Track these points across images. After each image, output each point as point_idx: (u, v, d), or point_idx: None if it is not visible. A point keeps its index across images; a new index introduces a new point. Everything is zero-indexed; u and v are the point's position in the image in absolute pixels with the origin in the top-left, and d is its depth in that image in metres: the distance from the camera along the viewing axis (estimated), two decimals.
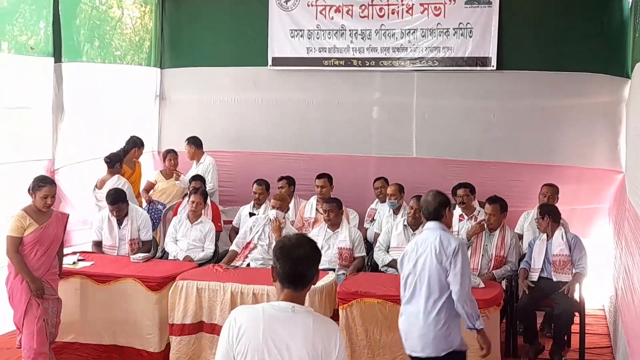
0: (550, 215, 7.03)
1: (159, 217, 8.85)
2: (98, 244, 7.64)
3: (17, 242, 5.90)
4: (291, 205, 8.50)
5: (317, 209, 8.42)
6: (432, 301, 4.85)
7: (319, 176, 8.61)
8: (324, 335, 3.08)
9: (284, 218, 7.47)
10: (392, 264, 7.30)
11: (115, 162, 8.43)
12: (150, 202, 8.98)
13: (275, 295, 3.21)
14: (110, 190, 7.71)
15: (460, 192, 7.90)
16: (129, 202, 7.68)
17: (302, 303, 3.15)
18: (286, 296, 3.12)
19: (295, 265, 3.12)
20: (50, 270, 6.06)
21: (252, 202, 8.65)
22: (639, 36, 7.42)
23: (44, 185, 5.98)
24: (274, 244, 7.21)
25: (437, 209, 4.99)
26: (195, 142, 9.40)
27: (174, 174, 9.28)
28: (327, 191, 8.50)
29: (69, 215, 6.44)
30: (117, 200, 7.45)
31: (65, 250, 7.97)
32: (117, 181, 8.28)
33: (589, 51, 8.71)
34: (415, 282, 4.92)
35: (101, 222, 7.62)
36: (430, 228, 4.99)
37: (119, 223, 7.56)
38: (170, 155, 9.34)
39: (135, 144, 8.93)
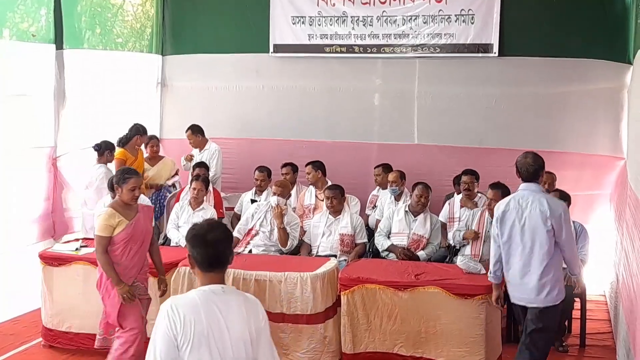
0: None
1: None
2: None
3: (106, 242, 5.50)
4: (293, 192, 8.52)
5: (316, 196, 8.44)
6: (542, 255, 5.25)
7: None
8: (254, 311, 3.33)
9: (285, 205, 7.48)
10: (392, 248, 7.33)
11: (105, 149, 8.28)
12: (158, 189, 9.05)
13: (200, 283, 3.34)
14: (111, 177, 7.71)
15: (465, 178, 7.91)
16: None
17: (224, 282, 3.35)
18: (211, 279, 3.30)
19: (213, 248, 3.29)
20: (142, 268, 5.75)
21: (253, 189, 8.66)
22: None
23: (130, 176, 5.63)
24: (275, 230, 7.26)
25: (537, 171, 5.38)
26: (199, 130, 9.38)
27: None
28: (313, 178, 8.58)
29: (153, 207, 6.12)
30: None
31: (67, 237, 8.05)
32: (97, 170, 8.18)
33: (591, 37, 8.70)
34: (520, 238, 5.31)
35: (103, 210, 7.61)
36: (531, 189, 5.35)
37: None
38: (152, 141, 9.21)
39: (137, 132, 8.80)
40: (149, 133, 9.12)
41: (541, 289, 5.26)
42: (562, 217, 5.24)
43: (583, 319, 6.80)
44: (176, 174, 9.43)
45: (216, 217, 7.92)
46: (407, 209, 7.51)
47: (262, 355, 3.28)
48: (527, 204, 5.30)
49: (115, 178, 5.80)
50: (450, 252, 7.46)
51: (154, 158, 9.23)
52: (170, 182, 9.22)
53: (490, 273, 5.55)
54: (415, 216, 7.46)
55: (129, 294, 5.50)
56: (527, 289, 5.32)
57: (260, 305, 3.39)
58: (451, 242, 7.40)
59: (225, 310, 3.22)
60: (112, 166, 8.31)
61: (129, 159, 8.66)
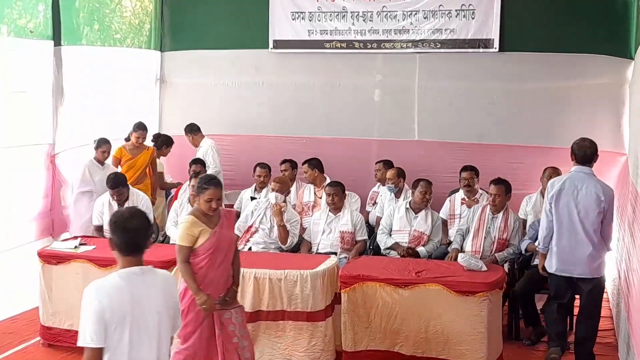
0: None
1: None
2: (99, 229, 7.61)
3: (187, 252, 5.20)
4: (293, 188, 8.49)
5: (315, 193, 8.41)
6: (591, 232, 5.86)
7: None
8: (170, 287, 3.77)
9: (284, 201, 7.45)
10: (394, 246, 7.30)
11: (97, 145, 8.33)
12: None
13: (120, 265, 3.61)
14: (110, 175, 7.69)
15: (466, 174, 7.94)
16: (129, 187, 7.65)
17: (142, 264, 3.62)
18: (130, 262, 3.58)
19: (132, 234, 3.57)
20: (227, 279, 5.40)
21: (253, 186, 8.63)
22: None
23: (208, 187, 5.24)
24: (275, 228, 7.23)
25: (592, 154, 5.95)
26: (192, 129, 9.41)
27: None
28: (310, 177, 8.55)
29: (236, 212, 5.75)
30: (118, 185, 7.42)
31: (66, 236, 8.02)
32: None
33: (592, 32, 8.67)
34: (574, 215, 5.88)
35: (102, 207, 7.59)
36: (585, 172, 5.92)
37: (120, 207, 7.52)
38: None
39: (133, 128, 8.82)
40: (165, 132, 9.35)
41: (591, 262, 5.89)
42: (612, 200, 5.93)
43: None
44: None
45: None
46: (408, 205, 7.48)
47: (176, 322, 3.77)
48: (583, 186, 5.87)
49: (196, 184, 5.45)
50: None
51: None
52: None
53: (540, 244, 6.17)
54: (416, 213, 7.43)
55: (210, 306, 5.16)
56: (577, 261, 5.91)
57: (173, 279, 3.81)
58: (452, 240, 7.40)
59: (145, 288, 3.56)
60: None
61: (124, 156, 8.68)
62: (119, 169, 8.53)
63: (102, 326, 3.40)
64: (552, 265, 6.08)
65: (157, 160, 9.21)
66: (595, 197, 5.83)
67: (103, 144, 8.25)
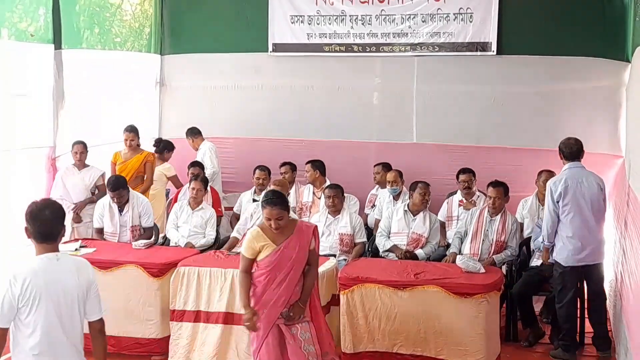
0: None
1: None
2: (100, 231, 7.64)
3: (247, 263, 5.10)
4: (292, 191, 8.52)
5: (314, 193, 8.46)
6: (595, 221, 6.37)
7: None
8: (85, 272, 3.99)
9: None
10: (393, 249, 7.34)
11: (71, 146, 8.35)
12: None
13: (37, 252, 3.88)
14: (111, 177, 7.74)
15: (464, 177, 8.03)
16: (129, 189, 7.69)
17: (57, 251, 3.91)
18: (45, 249, 3.85)
19: (45, 225, 3.83)
20: (293, 296, 5.13)
21: (253, 188, 8.67)
22: (639, 20, 7.41)
23: (265, 206, 5.03)
24: None
25: (579, 150, 6.52)
26: (192, 133, 9.48)
27: None
28: (311, 177, 8.64)
29: (315, 226, 5.42)
30: (118, 187, 7.45)
31: (67, 237, 8.02)
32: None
33: (589, 35, 8.71)
34: (583, 207, 6.30)
35: (102, 209, 7.61)
36: (578, 166, 6.47)
37: (120, 210, 7.56)
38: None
39: (123, 131, 8.74)
40: (165, 135, 9.35)
41: (601, 248, 6.46)
42: (605, 188, 6.52)
43: (582, 317, 6.80)
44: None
45: (215, 217, 7.94)
46: (406, 208, 7.52)
47: (90, 305, 3.97)
48: (583, 178, 6.38)
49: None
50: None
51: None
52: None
53: (545, 240, 6.56)
54: (414, 215, 7.47)
55: (252, 323, 5.01)
56: (591, 249, 6.34)
57: (89, 267, 4.08)
58: (450, 242, 7.44)
59: (60, 272, 3.84)
60: None
61: (118, 160, 8.69)
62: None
63: (12, 307, 3.70)
64: (565, 258, 6.39)
65: (166, 164, 9.25)
66: (597, 186, 6.36)
67: (74, 145, 8.24)
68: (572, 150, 6.51)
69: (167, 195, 9.34)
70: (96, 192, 8.31)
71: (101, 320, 4.05)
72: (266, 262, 5.04)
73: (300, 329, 5.11)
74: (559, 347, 6.50)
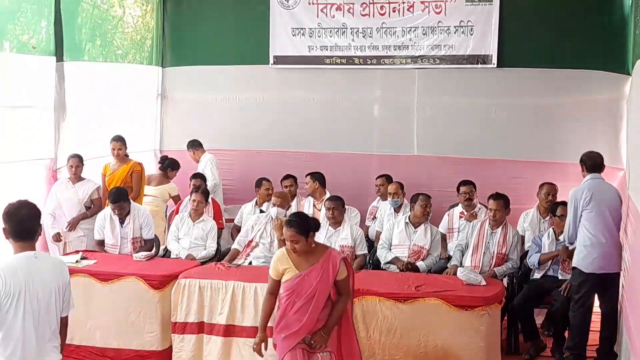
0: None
1: None
2: (100, 243, 7.64)
3: (272, 284, 5.06)
4: (293, 203, 8.53)
5: (314, 206, 8.46)
6: (616, 230, 6.46)
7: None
8: (61, 271, 4.21)
9: (285, 216, 7.48)
10: (394, 261, 7.33)
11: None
12: None
13: (15, 250, 4.05)
14: (112, 189, 7.74)
15: (464, 189, 8.04)
16: (131, 201, 7.69)
17: (34, 249, 4.10)
18: (23, 247, 4.03)
19: (21, 224, 4.03)
20: (317, 324, 4.97)
21: (254, 200, 8.70)
22: (639, 33, 7.42)
23: (285, 225, 5.00)
24: (275, 242, 7.26)
25: (601, 163, 6.66)
26: (193, 145, 9.49)
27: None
28: (311, 188, 8.62)
29: (344, 257, 5.22)
30: (119, 199, 7.45)
31: (58, 252, 8.00)
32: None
33: (589, 48, 8.73)
34: (607, 216, 6.40)
35: (103, 221, 7.62)
36: (599, 178, 6.58)
37: (121, 222, 7.56)
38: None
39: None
40: (166, 147, 9.29)
41: (619, 255, 6.41)
42: None
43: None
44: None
45: (216, 229, 7.94)
46: (407, 220, 7.51)
47: (65, 302, 4.21)
48: (604, 188, 6.53)
49: None
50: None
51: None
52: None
53: (566, 241, 6.71)
54: (415, 227, 7.46)
55: (259, 347, 5.02)
56: (612, 258, 6.39)
57: (65, 265, 4.32)
58: (452, 254, 7.44)
59: (38, 271, 4.02)
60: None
61: (108, 171, 8.60)
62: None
63: None
64: (587, 264, 6.41)
65: (172, 184, 9.21)
66: (617, 197, 6.52)
67: (70, 158, 8.11)
68: (595, 163, 6.63)
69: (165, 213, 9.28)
70: (91, 206, 8.17)
71: (67, 316, 4.30)
72: (287, 286, 4.97)
73: (321, 359, 4.99)
74: (570, 357, 6.48)
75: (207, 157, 9.43)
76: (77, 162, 8.12)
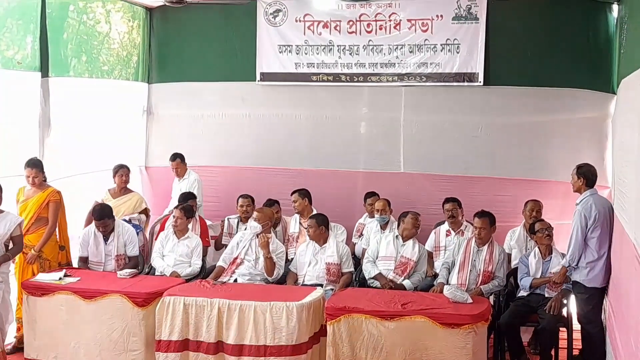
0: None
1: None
2: (84, 260, 7.59)
3: None
4: (279, 228, 8.55)
5: (300, 223, 8.44)
6: (613, 243, 6.51)
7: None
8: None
9: (270, 233, 7.46)
10: (377, 277, 7.31)
11: None
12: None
13: None
14: (96, 206, 7.69)
15: (448, 206, 8.04)
16: (115, 218, 7.64)
17: None
18: None
19: None
20: None
21: (237, 217, 8.65)
22: (624, 52, 7.48)
23: None
24: (261, 259, 7.23)
25: (597, 177, 6.87)
26: (182, 158, 9.40)
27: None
28: (300, 206, 8.56)
29: None
30: (103, 217, 7.42)
31: None
32: None
33: (575, 67, 8.79)
34: (606, 229, 6.55)
35: (87, 237, 7.58)
36: (596, 193, 6.79)
37: (105, 239, 7.52)
38: (121, 170, 8.63)
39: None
40: (152, 164, 9.06)
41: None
42: None
43: (570, 348, 6.77)
44: (145, 213, 8.84)
45: (201, 246, 7.88)
46: (397, 233, 7.50)
47: None
48: (604, 203, 6.73)
49: None
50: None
51: (122, 190, 8.66)
52: (128, 217, 8.52)
53: (572, 263, 6.63)
54: (404, 241, 7.45)
55: None
56: (608, 270, 6.52)
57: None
58: (438, 272, 7.42)
59: None
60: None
61: (20, 196, 7.43)
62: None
63: None
64: (592, 279, 6.56)
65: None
66: (612, 210, 6.69)
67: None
68: (595, 178, 6.82)
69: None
70: (10, 246, 6.63)
71: None
72: None
73: None
74: None
75: (194, 177, 9.36)
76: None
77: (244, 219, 8.51)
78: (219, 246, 8.56)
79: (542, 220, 7.40)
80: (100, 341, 6.56)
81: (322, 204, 8.62)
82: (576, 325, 6.83)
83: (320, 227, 7.47)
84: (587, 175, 6.78)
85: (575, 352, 6.80)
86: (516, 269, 7.33)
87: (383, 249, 7.47)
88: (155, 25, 10.38)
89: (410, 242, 7.45)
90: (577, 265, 6.62)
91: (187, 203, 8.23)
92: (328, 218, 7.63)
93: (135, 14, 10.08)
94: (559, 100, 8.90)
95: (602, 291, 6.65)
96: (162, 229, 8.41)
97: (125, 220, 8.16)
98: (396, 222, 7.81)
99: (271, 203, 8.66)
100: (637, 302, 4.78)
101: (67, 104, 8.57)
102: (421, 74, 9.32)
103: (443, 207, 8.16)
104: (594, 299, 6.59)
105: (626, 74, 6.81)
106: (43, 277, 6.90)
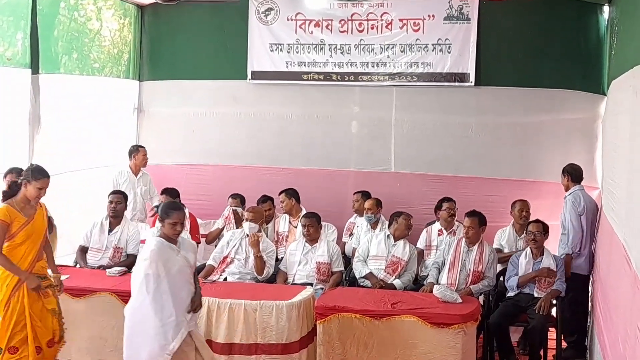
0: (546, 232, 7.14)
1: None
2: (83, 250, 7.69)
3: None
4: (270, 225, 8.53)
5: (290, 222, 8.44)
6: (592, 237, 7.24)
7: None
8: None
9: (260, 231, 7.46)
10: (368, 276, 7.32)
11: None
12: None
13: None
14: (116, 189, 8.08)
15: (446, 205, 8.06)
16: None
17: None
18: None
19: None
20: None
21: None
22: (615, 54, 7.51)
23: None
24: (251, 258, 7.23)
25: (582, 173, 7.52)
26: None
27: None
28: (287, 206, 8.60)
29: None
30: (118, 192, 7.86)
31: None
32: None
33: (566, 68, 8.80)
34: (592, 221, 7.27)
35: (92, 227, 7.73)
36: (583, 189, 7.45)
37: (110, 230, 7.67)
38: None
39: (32, 176, 6.04)
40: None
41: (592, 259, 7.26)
42: None
43: (558, 349, 6.80)
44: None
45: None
46: (388, 233, 7.51)
47: None
48: (590, 199, 7.38)
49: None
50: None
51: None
52: None
53: (573, 251, 7.21)
54: (395, 241, 7.46)
55: None
56: (588, 259, 7.25)
57: None
58: (427, 273, 7.44)
59: None
60: None
61: (17, 220, 5.84)
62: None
63: None
64: (584, 268, 7.29)
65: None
66: (597, 209, 7.32)
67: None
68: (579, 174, 7.46)
69: None
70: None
71: None
72: None
73: None
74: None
75: (148, 176, 9.26)
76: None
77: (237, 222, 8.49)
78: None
79: (538, 220, 7.37)
80: (91, 339, 6.55)
81: (312, 203, 8.62)
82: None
83: (319, 226, 7.52)
84: (570, 172, 7.45)
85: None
86: (506, 269, 7.36)
87: (374, 249, 7.48)
88: (146, 23, 10.34)
89: (401, 242, 7.46)
90: (579, 251, 7.20)
91: (175, 200, 8.22)
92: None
93: (127, 12, 10.04)
94: (550, 101, 8.92)
95: (586, 279, 7.34)
96: (152, 225, 8.38)
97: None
98: (387, 222, 7.82)
99: (265, 199, 8.65)
100: (625, 303, 4.79)
101: (57, 101, 8.53)
102: (412, 73, 9.32)
103: (440, 206, 8.17)
104: (577, 284, 7.21)
105: (616, 75, 6.82)
106: None
